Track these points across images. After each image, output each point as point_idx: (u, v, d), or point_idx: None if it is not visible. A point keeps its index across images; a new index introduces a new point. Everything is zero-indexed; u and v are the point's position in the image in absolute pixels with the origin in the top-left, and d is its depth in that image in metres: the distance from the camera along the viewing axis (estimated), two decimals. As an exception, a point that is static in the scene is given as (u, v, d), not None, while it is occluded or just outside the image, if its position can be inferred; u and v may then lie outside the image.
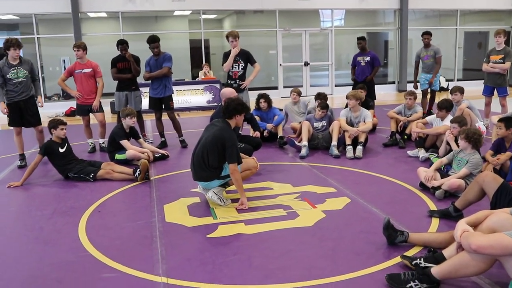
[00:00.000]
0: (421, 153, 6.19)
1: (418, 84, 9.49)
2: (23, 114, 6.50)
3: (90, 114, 7.40)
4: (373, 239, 3.67)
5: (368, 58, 9.15)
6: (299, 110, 8.08)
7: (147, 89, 10.16)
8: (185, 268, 3.30)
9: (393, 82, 16.33)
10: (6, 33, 16.07)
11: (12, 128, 6.64)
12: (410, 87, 12.83)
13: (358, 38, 9.38)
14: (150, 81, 7.50)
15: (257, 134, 6.55)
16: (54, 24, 14.94)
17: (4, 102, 6.36)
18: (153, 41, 7.24)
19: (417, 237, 3.49)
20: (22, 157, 6.61)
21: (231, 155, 4.40)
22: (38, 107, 6.76)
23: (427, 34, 9.28)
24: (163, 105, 7.46)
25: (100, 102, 7.31)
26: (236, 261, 3.39)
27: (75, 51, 7.13)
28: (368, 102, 8.03)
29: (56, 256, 3.58)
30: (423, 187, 4.88)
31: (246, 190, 5.03)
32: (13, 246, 3.85)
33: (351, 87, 9.09)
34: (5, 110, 6.38)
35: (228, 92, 5.94)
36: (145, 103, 8.16)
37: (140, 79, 7.95)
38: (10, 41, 6.27)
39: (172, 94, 7.59)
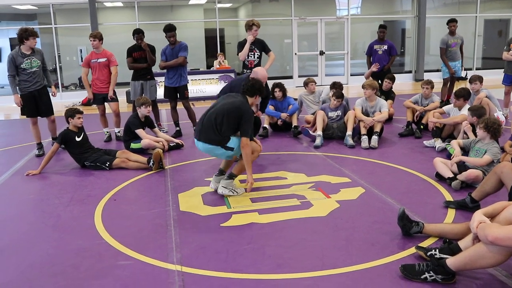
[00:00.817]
0: (438, 143, 6.12)
1: (443, 71, 9.39)
2: (38, 104, 6.56)
3: (105, 103, 7.46)
4: (387, 229, 3.65)
5: (385, 47, 9.04)
6: (314, 99, 8.02)
7: (162, 79, 10.21)
8: (199, 256, 3.33)
9: (410, 72, 16.11)
10: (25, 23, 16.28)
11: (27, 118, 6.70)
12: (427, 76, 12.66)
13: (381, 26, 9.25)
14: (165, 71, 7.52)
15: (259, 113, 6.48)
16: (71, 14, 15.05)
17: (18, 94, 6.40)
18: (170, 30, 7.26)
19: (432, 228, 3.45)
20: (40, 146, 6.70)
21: (246, 129, 4.43)
22: (52, 96, 6.83)
23: (453, 22, 9.18)
24: (178, 95, 7.49)
25: (114, 92, 7.36)
26: (249, 250, 3.41)
27: (91, 40, 7.18)
28: (390, 93, 7.95)
29: (73, 243, 3.64)
30: (439, 177, 4.83)
31: (260, 180, 5.05)
32: (31, 233, 3.91)
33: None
34: (20, 102, 6.41)
35: (262, 73, 5.56)
36: (160, 93, 8.19)
37: (155, 69, 7.98)
38: (29, 31, 6.27)
39: (187, 84, 7.61)
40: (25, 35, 6.27)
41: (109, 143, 7.23)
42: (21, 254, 3.50)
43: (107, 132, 7.49)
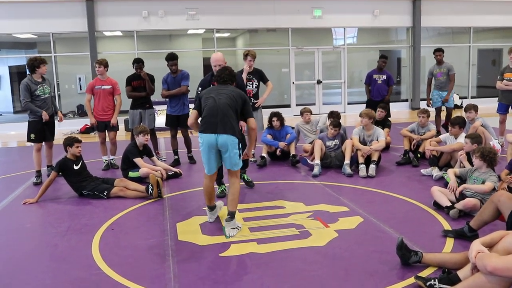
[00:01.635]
0: (435, 171, 6.15)
1: (431, 101, 9.37)
2: (45, 130, 6.72)
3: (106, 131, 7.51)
4: (386, 259, 3.64)
5: (384, 77, 9.10)
6: (311, 128, 8.08)
7: (160, 107, 10.27)
8: (198, 287, 3.30)
9: (406, 100, 16.27)
10: (24, 52, 16.47)
11: (31, 144, 6.77)
12: (423, 105, 12.78)
13: (382, 56, 9.29)
14: (167, 99, 7.59)
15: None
16: (71, 42, 15.23)
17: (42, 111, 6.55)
18: (172, 58, 7.36)
19: (431, 258, 3.45)
20: (39, 173, 6.72)
21: (250, 110, 4.53)
22: (57, 122, 7.00)
23: (439, 51, 9.19)
24: (179, 123, 7.51)
25: (116, 120, 7.42)
26: (248, 281, 3.39)
27: (96, 67, 7.29)
28: (385, 121, 8.01)
29: (70, 274, 3.60)
30: (437, 206, 4.84)
31: (258, 209, 5.05)
32: (28, 262, 3.88)
33: (364, 105, 9.06)
34: (48, 117, 6.59)
35: (213, 57, 5.64)
36: (159, 121, 8.24)
37: (155, 97, 8.04)
38: (39, 59, 6.58)
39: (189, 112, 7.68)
40: (36, 64, 6.54)
41: (106, 172, 7.21)
42: (17, 285, 3.46)
43: (106, 160, 7.50)
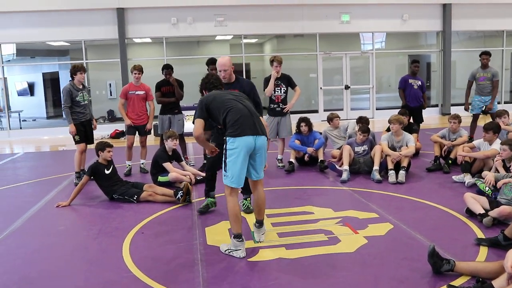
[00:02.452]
0: (467, 178, 6.01)
1: (470, 106, 8.93)
2: (86, 133, 7.02)
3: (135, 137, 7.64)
4: (417, 266, 3.57)
5: (419, 82, 8.92)
6: (340, 134, 8.02)
7: (189, 113, 10.37)
8: (226, 291, 3.31)
9: (436, 105, 15.99)
10: (57, 59, 16.94)
11: (63, 148, 6.99)
12: (454, 110, 12.53)
13: (415, 61, 9.10)
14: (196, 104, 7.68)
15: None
16: (102, 49, 15.57)
17: (73, 123, 6.81)
18: (213, 63, 7.39)
19: (464, 266, 3.37)
20: (79, 174, 6.95)
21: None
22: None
23: (486, 54, 8.70)
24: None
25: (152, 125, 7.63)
26: (276, 286, 3.38)
27: (135, 73, 7.45)
28: (411, 126, 7.89)
29: (102, 276, 3.67)
30: (469, 213, 4.73)
31: (286, 214, 5.03)
32: (61, 265, 3.97)
33: (394, 111, 8.91)
34: (74, 131, 6.82)
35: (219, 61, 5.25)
36: (187, 126, 8.31)
37: (183, 103, 8.13)
38: (77, 67, 6.86)
39: None
40: (73, 71, 6.87)
41: (129, 177, 7.17)
42: (50, 286, 3.54)
43: (129, 165, 7.60)
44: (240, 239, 3.93)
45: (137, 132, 7.62)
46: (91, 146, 7.17)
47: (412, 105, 8.74)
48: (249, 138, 3.87)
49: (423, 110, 8.99)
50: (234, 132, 3.88)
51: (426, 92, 9.23)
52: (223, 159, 3.95)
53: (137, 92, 7.44)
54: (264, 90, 7.31)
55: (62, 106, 6.87)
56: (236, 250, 3.93)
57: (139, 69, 7.48)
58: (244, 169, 3.93)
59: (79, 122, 6.88)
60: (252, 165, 4.04)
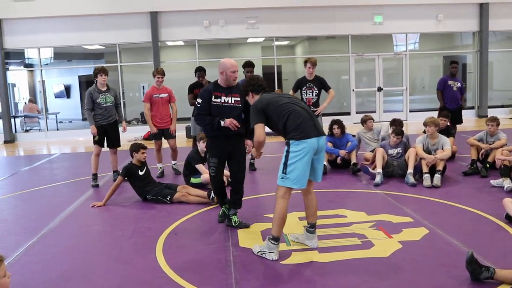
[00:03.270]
0: (507, 183, 5.82)
1: None
2: (108, 137, 7.12)
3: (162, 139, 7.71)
4: (454, 273, 3.48)
5: (459, 84, 8.75)
6: (373, 136, 7.91)
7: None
8: (259, 294, 3.30)
9: (472, 107, 15.59)
10: (93, 62, 17.33)
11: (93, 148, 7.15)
12: (491, 112, 12.18)
13: (453, 62, 8.94)
14: None
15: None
16: (135, 52, 15.86)
17: (94, 125, 6.95)
18: (249, 65, 7.45)
19: (505, 274, 3.26)
20: (95, 177, 7.10)
21: None
22: (121, 132, 7.30)
23: None
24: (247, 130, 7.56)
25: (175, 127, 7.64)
26: (310, 290, 3.35)
27: (159, 78, 7.48)
28: (450, 129, 7.69)
29: (135, 275, 3.72)
30: (509, 219, 4.58)
31: (319, 217, 4.96)
32: (96, 264, 4.05)
33: (427, 113, 8.74)
34: (96, 132, 6.95)
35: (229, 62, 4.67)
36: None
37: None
38: (97, 69, 7.00)
39: None
40: (94, 73, 7.01)
41: (161, 179, 7.23)
42: (86, 284, 3.62)
43: (161, 167, 7.67)
44: (277, 243, 3.91)
45: (163, 136, 7.66)
46: (124, 147, 7.31)
47: (450, 107, 8.54)
48: (313, 140, 3.85)
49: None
50: (298, 135, 3.83)
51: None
52: (284, 161, 3.85)
53: (161, 95, 7.50)
54: (292, 90, 7.31)
55: (84, 108, 6.99)
56: (270, 252, 3.90)
57: (162, 73, 7.51)
58: (308, 170, 3.89)
59: (99, 125, 6.97)
60: (312, 167, 3.99)
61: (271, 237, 3.92)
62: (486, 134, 6.96)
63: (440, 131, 7.34)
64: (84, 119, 18.59)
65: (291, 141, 3.85)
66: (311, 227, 4.19)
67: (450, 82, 8.71)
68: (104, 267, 3.96)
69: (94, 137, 7.04)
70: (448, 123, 7.80)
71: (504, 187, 5.82)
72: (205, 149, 6.73)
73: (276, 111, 3.94)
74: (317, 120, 4.10)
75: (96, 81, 6.98)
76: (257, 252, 3.98)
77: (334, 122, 7.49)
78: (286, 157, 3.85)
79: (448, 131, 7.62)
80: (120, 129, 7.32)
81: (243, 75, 7.61)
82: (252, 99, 4.22)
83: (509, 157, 6.01)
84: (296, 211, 5.11)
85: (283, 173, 3.86)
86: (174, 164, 7.76)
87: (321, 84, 7.24)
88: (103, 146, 7.15)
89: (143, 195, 6.02)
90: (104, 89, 6.99)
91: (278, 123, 3.93)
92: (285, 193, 3.90)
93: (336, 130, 7.41)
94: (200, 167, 6.52)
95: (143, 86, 16.11)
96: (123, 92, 15.12)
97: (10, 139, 14.12)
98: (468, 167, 6.89)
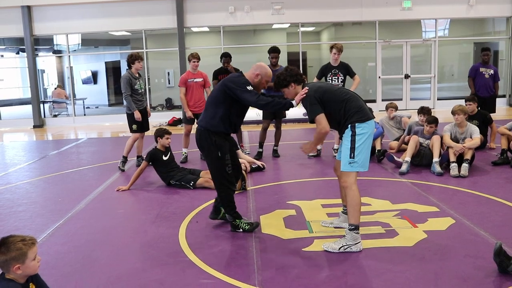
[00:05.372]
0: (537, 173, 5.66)
1: None
2: (143, 122, 7.20)
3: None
4: (481, 264, 3.40)
5: (492, 71, 8.53)
6: (395, 125, 7.81)
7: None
8: (280, 280, 3.30)
9: (504, 96, 15.15)
10: (119, 48, 17.50)
11: (123, 134, 7.24)
12: (523, 101, 11.80)
13: (485, 49, 8.73)
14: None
15: None
16: (161, 39, 15.93)
17: (137, 110, 7.02)
18: (274, 51, 7.45)
19: (533, 267, 3.17)
20: (125, 159, 7.21)
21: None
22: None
23: None
24: (275, 115, 7.53)
25: None
26: (331, 277, 3.32)
27: (194, 61, 7.54)
28: (482, 114, 7.44)
29: (158, 259, 3.76)
30: (540, 211, 4.45)
31: (341, 205, 4.92)
32: (121, 246, 4.10)
33: (455, 101, 8.54)
34: (140, 117, 7.02)
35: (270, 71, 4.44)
36: (251, 114, 8.33)
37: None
38: (134, 56, 7.01)
39: None
40: (131, 60, 7.01)
41: (185, 164, 7.21)
42: (111, 265, 3.68)
43: (185, 153, 7.71)
44: (358, 231, 3.77)
45: (195, 120, 7.71)
46: (149, 133, 7.38)
47: (481, 94, 8.36)
48: (372, 122, 3.85)
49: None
50: (362, 117, 3.77)
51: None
52: (350, 145, 3.74)
53: (195, 80, 7.54)
54: (317, 78, 7.24)
55: (124, 95, 6.97)
56: (356, 243, 3.74)
57: (197, 57, 7.57)
58: (369, 153, 3.87)
59: (138, 110, 7.04)
60: None
61: (353, 227, 3.76)
62: (518, 123, 6.76)
63: (473, 117, 7.15)
64: (111, 104, 18.93)
65: (356, 124, 3.73)
66: (346, 207, 4.13)
67: (482, 69, 8.51)
68: (128, 250, 4.01)
69: (132, 125, 7.09)
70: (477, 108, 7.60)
71: (535, 177, 5.66)
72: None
73: (334, 97, 3.84)
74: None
75: (131, 67, 7.01)
76: (339, 249, 3.73)
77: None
78: (353, 141, 3.73)
79: (480, 116, 7.37)
80: None
81: (267, 61, 7.57)
82: (294, 89, 4.02)
83: (541, 147, 5.82)
84: (318, 198, 5.08)
85: (351, 158, 3.75)
86: None
87: (346, 71, 7.14)
88: (143, 131, 7.26)
89: (167, 180, 6.07)
90: (137, 75, 7.08)
91: (337, 109, 3.80)
92: (356, 178, 3.82)
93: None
94: (224, 153, 6.51)
95: (168, 73, 16.20)
96: (148, 78, 15.23)
97: (40, 124, 14.43)
98: (497, 156, 6.71)
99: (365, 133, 3.75)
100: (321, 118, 3.80)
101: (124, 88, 6.93)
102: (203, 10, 14.06)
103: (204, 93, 7.70)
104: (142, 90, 7.15)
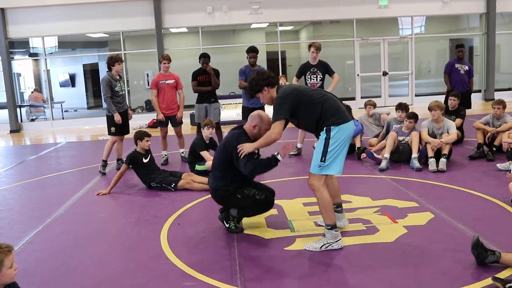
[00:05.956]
0: (513, 166, 5.77)
1: None
2: (123, 125, 7.11)
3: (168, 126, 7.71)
4: (460, 258, 3.46)
5: (466, 67, 8.70)
6: (374, 122, 7.90)
7: (225, 102, 10.37)
8: (263, 280, 3.31)
9: (479, 91, 15.42)
10: (97, 50, 17.29)
11: (103, 138, 7.17)
12: (498, 95, 12.07)
13: (459, 46, 8.90)
14: (242, 92, 7.67)
15: None
16: (139, 40, 15.79)
17: (117, 112, 6.95)
18: (253, 51, 7.46)
19: (510, 258, 3.24)
20: (105, 163, 7.13)
21: None
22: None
23: None
24: None
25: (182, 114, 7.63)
26: (313, 276, 3.35)
27: (165, 63, 7.48)
28: (459, 110, 7.61)
29: (141, 262, 3.73)
30: (516, 203, 4.55)
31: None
32: (102, 251, 4.06)
33: (433, 97, 8.69)
34: (120, 120, 6.93)
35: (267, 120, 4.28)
36: (224, 115, 8.35)
37: (219, 92, 8.15)
38: (114, 57, 6.96)
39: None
40: (111, 62, 6.94)
41: (166, 167, 7.16)
42: (92, 271, 3.64)
43: (165, 155, 7.65)
44: (337, 229, 3.78)
45: (170, 123, 7.66)
46: (129, 135, 7.32)
47: (457, 90, 8.50)
48: (350, 124, 3.72)
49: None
50: (338, 119, 3.65)
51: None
52: (322, 149, 3.65)
53: (167, 82, 7.48)
54: (296, 76, 7.29)
55: (103, 97, 6.94)
56: (337, 241, 3.73)
57: (168, 59, 7.52)
58: (345, 156, 3.76)
59: (118, 112, 6.97)
60: None
61: (329, 226, 3.74)
62: (493, 118, 6.89)
63: (451, 112, 7.30)
64: (90, 107, 18.70)
65: (332, 127, 3.64)
66: (338, 207, 4.16)
67: (457, 66, 8.67)
68: (110, 254, 3.97)
69: (110, 127, 7.02)
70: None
71: (510, 170, 5.75)
72: (209, 135, 6.72)
73: (311, 100, 3.72)
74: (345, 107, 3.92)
75: (111, 69, 6.94)
76: (321, 247, 3.71)
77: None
78: (326, 144, 3.64)
79: (458, 112, 7.54)
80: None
81: (245, 61, 7.59)
82: (268, 93, 3.91)
83: (516, 141, 5.95)
84: (300, 197, 5.11)
85: (321, 161, 3.67)
86: (182, 153, 7.75)
87: (325, 69, 7.19)
88: (122, 134, 7.18)
89: (148, 183, 6.02)
90: (118, 77, 7.01)
91: (314, 112, 3.70)
92: (324, 181, 3.76)
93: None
94: (205, 154, 6.51)
95: (147, 74, 16.08)
96: (127, 80, 15.09)
97: (16, 129, 14.17)
98: (474, 151, 6.83)
99: (340, 137, 3.65)
100: (280, 125, 3.73)
101: (104, 90, 6.88)
102: (181, 10, 13.98)
103: (176, 95, 7.63)
104: (123, 92, 7.10)
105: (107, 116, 7.06)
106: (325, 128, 3.69)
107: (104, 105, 7.05)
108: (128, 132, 7.34)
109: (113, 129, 7.02)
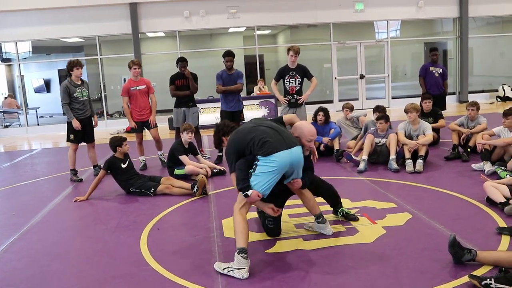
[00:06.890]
0: (487, 166, 5.90)
1: None
2: (85, 131, 6.94)
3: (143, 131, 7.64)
4: (438, 257, 3.52)
5: (440, 70, 8.86)
6: (352, 124, 8.00)
7: (203, 106, 10.32)
8: (244, 284, 3.31)
9: (454, 93, 15.73)
10: (72, 55, 17.00)
11: (69, 144, 7.04)
12: (471, 97, 12.32)
13: (433, 49, 9.06)
14: (220, 96, 7.70)
15: None
16: (115, 45, 15.62)
17: (75, 119, 6.80)
18: (229, 55, 7.47)
19: (486, 256, 3.31)
20: (75, 171, 7.02)
21: None
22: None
23: None
24: (234, 118, 7.52)
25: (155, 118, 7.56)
26: (295, 278, 3.36)
27: (136, 68, 7.38)
28: (435, 111, 7.73)
29: (120, 269, 3.69)
30: (490, 202, 4.64)
31: (302, 205, 4.96)
32: (80, 258, 4.00)
33: (409, 99, 8.83)
34: (79, 126, 6.78)
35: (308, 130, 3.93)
36: (202, 119, 8.33)
37: (197, 96, 8.13)
38: (72, 62, 6.77)
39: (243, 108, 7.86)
40: (69, 67, 6.79)
41: (145, 171, 7.13)
42: (71, 278, 3.58)
43: (143, 160, 7.58)
44: (246, 255, 3.44)
45: (144, 128, 7.58)
46: (101, 141, 7.21)
47: (432, 92, 8.64)
48: (283, 154, 3.51)
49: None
50: (265, 151, 3.50)
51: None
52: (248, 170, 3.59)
53: (138, 87, 7.38)
54: (275, 79, 7.35)
55: (61, 103, 6.80)
56: (239, 269, 3.40)
57: (138, 64, 7.44)
58: (272, 186, 3.57)
59: (78, 119, 6.81)
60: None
61: (238, 250, 3.46)
62: (467, 119, 7.04)
63: (428, 114, 7.42)
64: (64, 113, 18.40)
65: (260, 157, 3.52)
66: (318, 218, 4.13)
67: (431, 69, 8.83)
68: (88, 261, 3.92)
69: (69, 134, 6.88)
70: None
71: (484, 170, 5.90)
72: (188, 140, 6.70)
73: (244, 143, 3.64)
74: (288, 133, 3.77)
75: (71, 74, 6.80)
76: (223, 270, 3.46)
77: (320, 109, 7.49)
78: (254, 168, 3.55)
79: (436, 114, 7.66)
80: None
81: (223, 65, 7.59)
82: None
83: (490, 141, 6.08)
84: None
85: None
86: (160, 155, 7.70)
87: (303, 73, 7.24)
88: (80, 142, 7.02)
89: (127, 188, 5.96)
90: (79, 82, 6.84)
91: (247, 152, 3.64)
92: (244, 205, 3.62)
93: (321, 117, 7.41)
94: (184, 158, 6.48)
95: (124, 79, 15.85)
96: (104, 85, 14.93)
97: (-10, 136, 13.87)
98: (449, 152, 6.96)
99: (268, 166, 3.48)
100: (233, 176, 3.67)
101: (61, 96, 6.75)
102: (158, 15, 13.90)
103: (148, 100, 7.55)
104: (84, 98, 6.88)
105: (67, 123, 6.91)
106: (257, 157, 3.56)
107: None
108: (92, 140, 7.15)
109: (71, 136, 6.88)
